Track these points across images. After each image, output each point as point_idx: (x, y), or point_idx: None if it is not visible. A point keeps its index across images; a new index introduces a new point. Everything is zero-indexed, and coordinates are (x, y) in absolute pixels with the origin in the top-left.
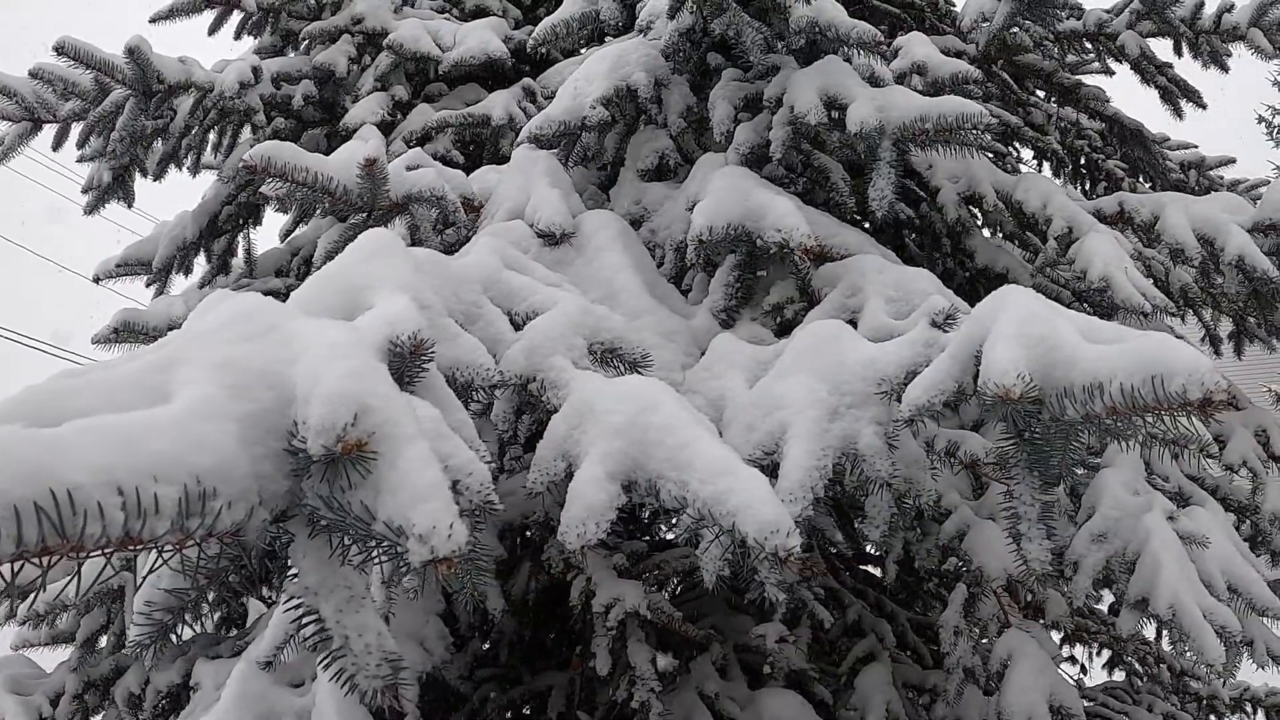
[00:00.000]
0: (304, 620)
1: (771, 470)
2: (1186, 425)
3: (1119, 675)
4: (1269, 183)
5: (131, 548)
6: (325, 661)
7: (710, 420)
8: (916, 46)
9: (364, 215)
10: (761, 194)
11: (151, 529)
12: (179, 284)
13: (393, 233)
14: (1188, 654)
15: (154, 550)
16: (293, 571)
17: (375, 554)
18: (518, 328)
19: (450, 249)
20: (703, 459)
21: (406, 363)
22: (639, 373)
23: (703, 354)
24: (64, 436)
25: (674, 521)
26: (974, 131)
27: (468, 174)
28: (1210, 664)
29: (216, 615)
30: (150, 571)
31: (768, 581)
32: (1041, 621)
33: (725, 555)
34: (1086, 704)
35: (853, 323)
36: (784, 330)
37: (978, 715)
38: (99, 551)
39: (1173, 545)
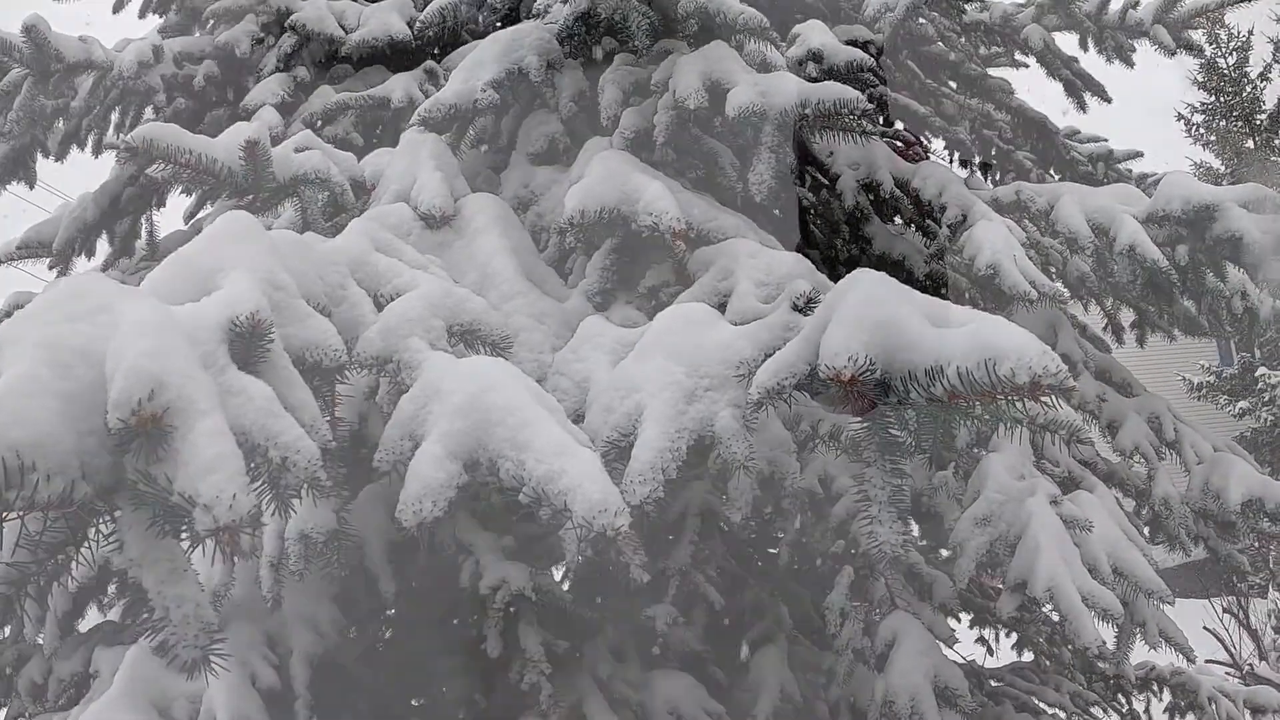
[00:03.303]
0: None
1: (629, 451)
2: (1021, 407)
3: (1029, 656)
4: None
5: None
6: (148, 632)
7: (576, 402)
8: (814, 34)
9: (250, 197)
10: (638, 178)
11: None
12: (82, 266)
13: (251, 216)
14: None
15: None
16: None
17: (180, 525)
18: (382, 309)
19: (338, 233)
20: (540, 439)
21: (249, 343)
22: (501, 354)
23: None
24: None
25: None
26: (852, 116)
27: (360, 157)
28: (1085, 647)
29: (123, 602)
30: None
31: (632, 563)
32: (930, 605)
33: (581, 535)
34: (993, 684)
35: (724, 306)
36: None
37: (870, 695)
38: None
39: (1053, 528)
